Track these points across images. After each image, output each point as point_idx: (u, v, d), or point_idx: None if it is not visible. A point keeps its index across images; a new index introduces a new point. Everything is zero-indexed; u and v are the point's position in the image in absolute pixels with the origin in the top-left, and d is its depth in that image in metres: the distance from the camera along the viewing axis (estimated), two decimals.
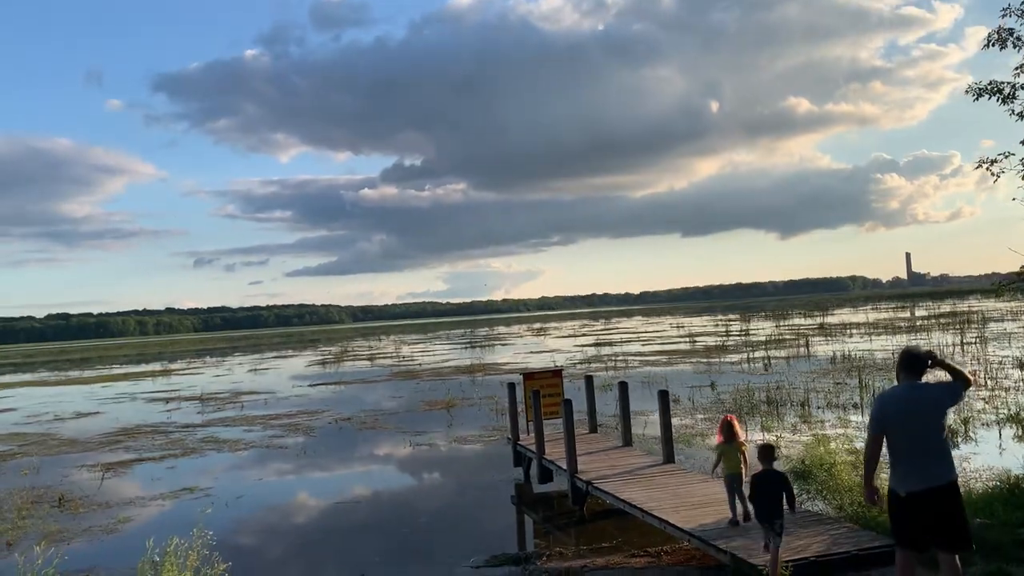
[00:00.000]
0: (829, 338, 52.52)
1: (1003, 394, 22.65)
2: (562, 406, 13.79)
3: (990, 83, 11.80)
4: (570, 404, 13.44)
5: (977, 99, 11.79)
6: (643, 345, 57.90)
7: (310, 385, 41.78)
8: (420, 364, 52.71)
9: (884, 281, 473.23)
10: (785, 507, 7.94)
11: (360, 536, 13.00)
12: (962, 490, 11.42)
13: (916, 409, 5.94)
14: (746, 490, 8.63)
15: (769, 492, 7.85)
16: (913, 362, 6.06)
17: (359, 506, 14.93)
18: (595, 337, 76.11)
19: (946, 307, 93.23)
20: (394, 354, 68.00)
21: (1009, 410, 19.62)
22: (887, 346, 42.68)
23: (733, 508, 9.49)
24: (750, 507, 8.79)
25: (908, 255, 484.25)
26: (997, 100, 11.57)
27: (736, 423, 9.74)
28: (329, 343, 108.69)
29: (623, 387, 15.47)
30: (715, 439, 10.01)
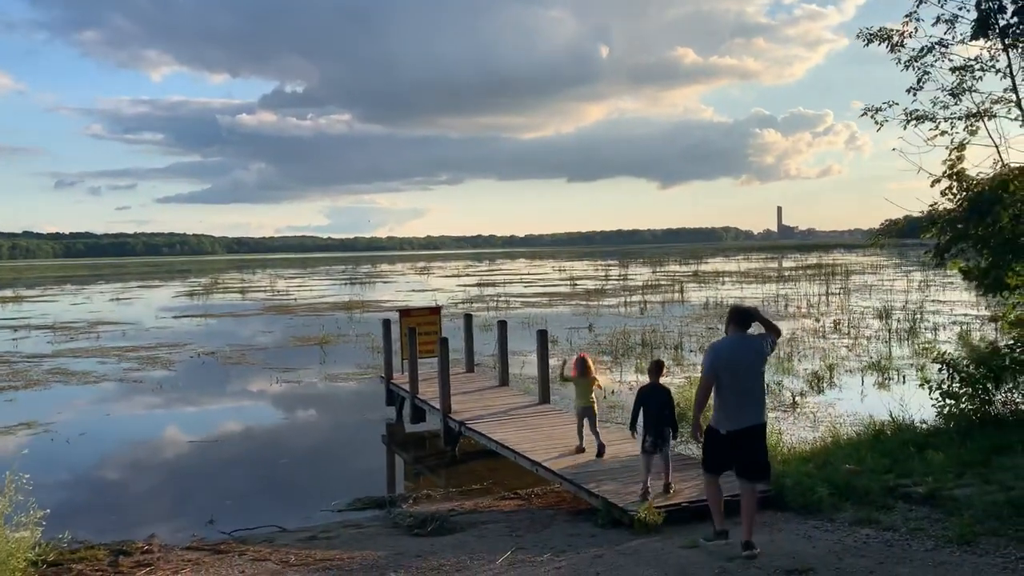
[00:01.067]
0: (703, 285, 53.99)
1: (865, 343, 23.59)
2: (438, 344, 13.20)
3: (880, 29, 11.66)
4: (446, 342, 12.86)
5: (868, 44, 11.64)
6: (525, 287, 58.00)
7: (174, 317, 39.67)
8: (296, 299, 51.01)
9: (756, 233, 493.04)
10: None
11: (214, 478, 12.12)
12: (829, 436, 11.67)
13: (743, 358, 6.61)
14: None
15: (657, 402, 8.28)
16: (743, 316, 6.75)
17: (216, 446, 13.97)
18: (478, 278, 75.84)
19: (812, 259, 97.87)
20: (269, 288, 65.68)
21: (871, 358, 20.41)
22: (757, 294, 44.17)
23: (580, 436, 10.17)
24: (603, 441, 9.86)
25: (779, 209, 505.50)
26: (886, 46, 11.46)
27: (590, 360, 10.33)
28: (200, 274, 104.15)
29: (502, 326, 15.02)
30: (571, 373, 10.65)
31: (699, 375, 7.15)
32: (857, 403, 15.36)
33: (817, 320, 29.72)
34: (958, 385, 10.15)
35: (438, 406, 12.87)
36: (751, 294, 44.32)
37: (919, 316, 28.78)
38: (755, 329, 6.78)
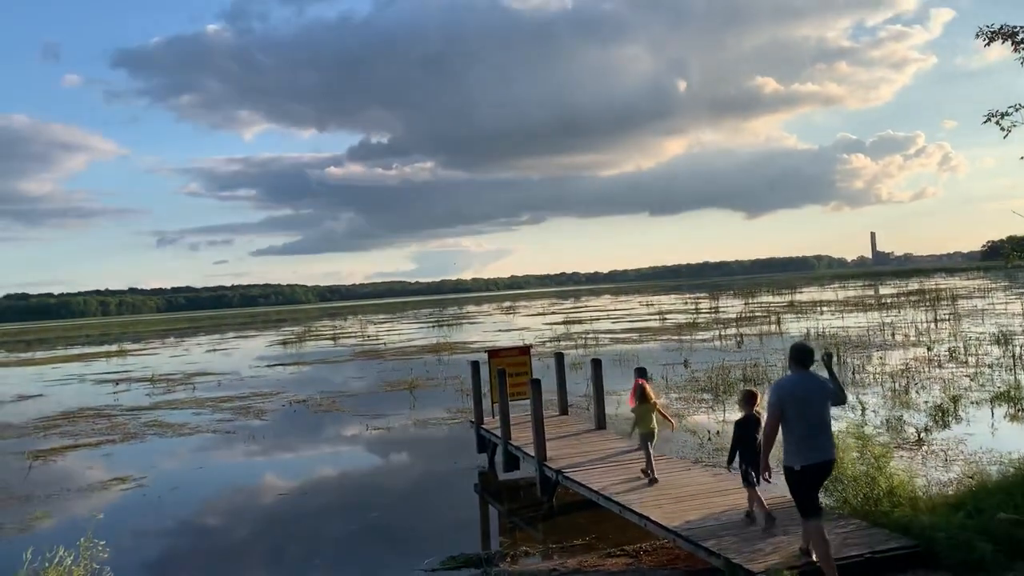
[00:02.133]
0: (800, 316, 51.91)
1: (987, 371, 21.84)
2: (530, 386, 12.53)
3: (1002, 27, 10.66)
4: (538, 384, 12.18)
5: (988, 44, 10.65)
6: (613, 323, 56.91)
7: (268, 366, 40.17)
8: (385, 344, 51.23)
9: (849, 260, 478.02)
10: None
11: (302, 535, 11.65)
12: (971, 478, 10.47)
13: (810, 394, 6.81)
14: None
15: (754, 433, 8.17)
16: (805, 355, 6.99)
17: (304, 499, 13.55)
18: (564, 315, 75.07)
19: (913, 285, 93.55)
20: (359, 334, 66.37)
21: (997, 388, 18.77)
22: (860, 323, 42.04)
23: (649, 464, 10.37)
24: (656, 472, 10.26)
25: (873, 235, 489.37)
26: (1010, 44, 10.44)
27: (648, 387, 10.63)
28: (294, 323, 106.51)
29: (596, 365, 14.25)
30: (628, 404, 10.97)
31: None
32: (990, 438, 13.96)
33: (929, 348, 27.83)
34: None
35: (532, 452, 12.16)
36: (854, 323, 42.22)
37: None
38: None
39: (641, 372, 10.90)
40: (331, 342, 57.85)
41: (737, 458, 8.29)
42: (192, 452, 18.16)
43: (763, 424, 7.81)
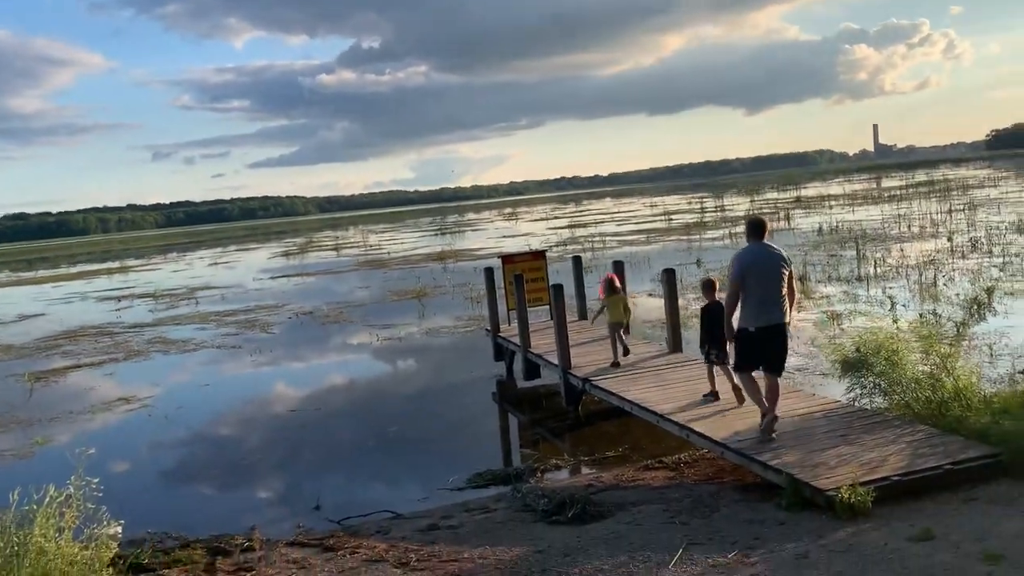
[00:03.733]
0: (809, 211, 50.89)
1: (1014, 260, 21.07)
2: (549, 291, 11.77)
3: None
4: (560, 289, 11.40)
5: None
6: (618, 225, 55.96)
7: (271, 278, 39.49)
8: (388, 253, 50.43)
9: (851, 154, 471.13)
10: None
11: (318, 453, 11.10)
12: (1022, 374, 9.84)
13: (766, 264, 7.35)
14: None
15: (717, 317, 8.54)
16: (759, 227, 7.55)
17: (316, 415, 12.95)
18: (568, 219, 73.98)
19: (920, 176, 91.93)
20: (361, 244, 65.52)
21: None
22: (872, 216, 41.11)
23: (615, 351, 11.14)
24: (622, 357, 11.15)
25: (875, 127, 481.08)
26: None
27: (616, 280, 11.33)
28: (295, 235, 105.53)
29: (618, 267, 13.44)
30: (599, 295, 11.57)
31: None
32: None
33: (950, 239, 26.98)
34: None
35: (555, 360, 11.49)
36: (866, 216, 41.28)
37: None
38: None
39: (617, 266, 12.16)
40: (334, 252, 57.09)
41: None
42: (198, 368, 17.59)
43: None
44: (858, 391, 7.98)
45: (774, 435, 7.23)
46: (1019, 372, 10.84)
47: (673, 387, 9.67)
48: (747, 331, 7.37)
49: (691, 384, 9.67)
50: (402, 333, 19.47)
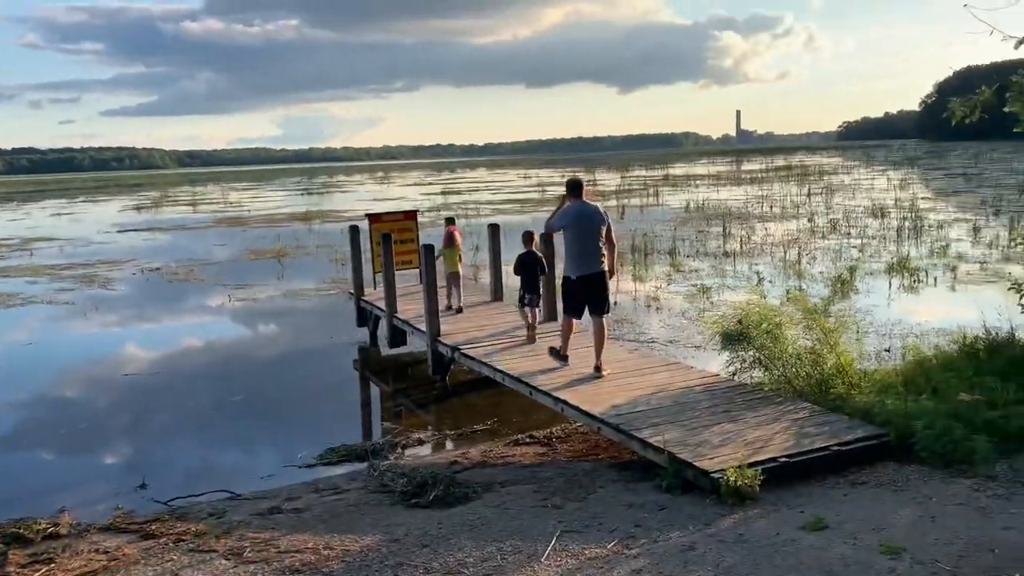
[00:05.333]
0: (677, 189, 51.97)
1: (871, 242, 21.85)
2: (420, 253, 10.96)
3: None
4: (431, 249, 10.60)
5: None
6: (492, 194, 55.39)
7: (118, 232, 36.61)
8: (250, 211, 47.92)
9: (715, 138, 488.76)
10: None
11: (148, 424, 9.92)
12: (900, 353, 9.86)
13: (586, 220, 8.10)
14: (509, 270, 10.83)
15: (531, 266, 9.93)
16: (578, 186, 8.28)
17: (153, 381, 11.65)
18: (442, 186, 72.85)
19: (779, 161, 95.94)
20: (221, 201, 62.15)
21: (885, 259, 18.64)
22: (736, 196, 42.29)
23: (448, 299, 11.93)
24: (463, 302, 12.03)
25: (738, 113, 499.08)
26: None
27: (457, 233, 12.17)
28: (151, 189, 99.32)
29: (493, 230, 12.77)
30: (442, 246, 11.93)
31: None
32: (894, 310, 13.54)
33: (810, 220, 27.88)
34: None
35: (422, 327, 10.71)
36: (730, 196, 42.43)
37: (914, 214, 26.96)
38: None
39: (450, 220, 12.85)
40: (190, 208, 53.83)
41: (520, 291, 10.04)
42: (21, 327, 15.74)
43: (542, 259, 10.18)
44: (738, 365, 7.61)
45: (604, 373, 8.08)
46: (885, 350, 10.95)
47: (546, 356, 9.08)
48: (570, 279, 8.17)
49: (572, 353, 9.11)
50: (258, 294, 18.15)
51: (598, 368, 8.10)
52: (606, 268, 8.18)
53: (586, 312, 8.33)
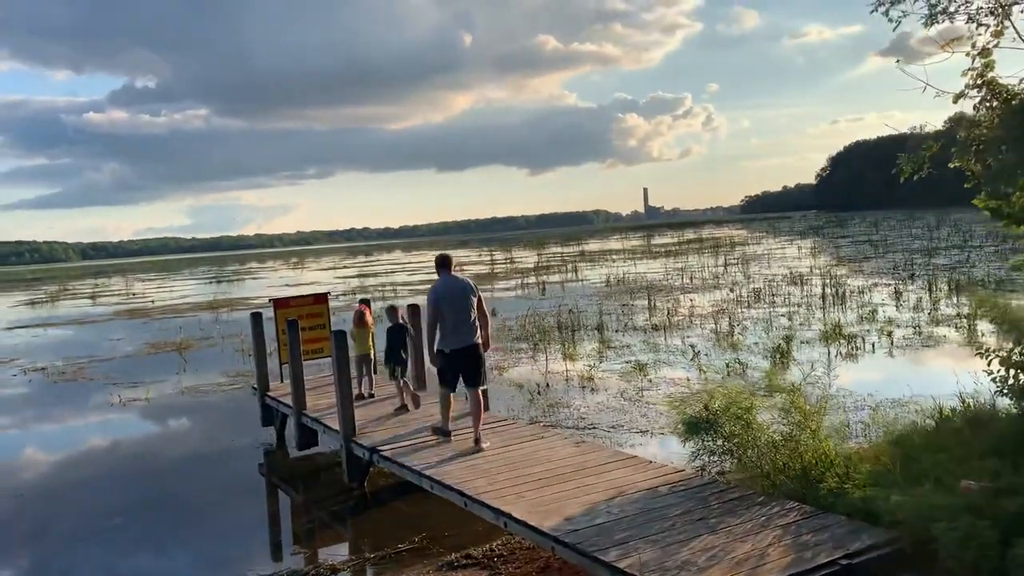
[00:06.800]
0: (594, 264, 51.95)
1: (799, 310, 21.51)
2: (331, 340, 9.71)
3: None
4: (343, 336, 9.38)
5: None
6: (409, 275, 54.23)
7: (5, 329, 33.91)
8: (153, 302, 45.42)
9: (624, 215, 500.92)
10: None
11: (18, 549, 8.25)
12: (864, 430, 9.03)
13: (456, 294, 8.27)
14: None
15: (398, 339, 10.30)
16: (447, 261, 8.54)
17: (23, 500, 9.92)
18: (358, 269, 71.37)
19: (689, 234, 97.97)
20: (124, 292, 59.13)
21: (817, 327, 18.19)
22: (654, 269, 42.28)
23: (360, 384, 11.05)
24: (374, 390, 11.30)
25: (645, 190, 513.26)
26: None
27: (367, 313, 11.33)
28: (51, 283, 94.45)
29: (413, 310, 11.62)
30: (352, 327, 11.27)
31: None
32: (841, 380, 12.84)
33: (731, 290, 27.64)
34: None
35: (335, 426, 9.38)
36: (648, 269, 42.40)
37: (833, 281, 26.97)
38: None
39: (364, 301, 11.99)
40: (90, 301, 50.83)
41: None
42: None
43: (409, 329, 10.60)
44: (706, 458, 6.58)
45: (484, 446, 8.06)
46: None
47: (484, 457, 7.89)
48: (443, 352, 8.28)
49: (509, 450, 7.95)
50: (153, 393, 16.37)
51: (477, 440, 8.12)
52: (479, 341, 8.31)
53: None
